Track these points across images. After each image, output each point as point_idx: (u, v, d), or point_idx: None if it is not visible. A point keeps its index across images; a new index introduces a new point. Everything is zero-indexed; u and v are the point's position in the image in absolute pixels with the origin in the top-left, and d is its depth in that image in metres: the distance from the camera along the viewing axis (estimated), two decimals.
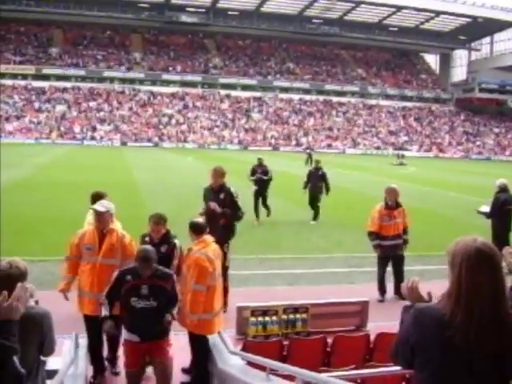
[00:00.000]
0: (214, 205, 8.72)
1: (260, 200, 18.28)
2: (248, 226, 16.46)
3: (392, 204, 10.58)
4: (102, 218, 6.75)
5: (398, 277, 10.50)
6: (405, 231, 10.66)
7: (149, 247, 6.01)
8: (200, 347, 6.60)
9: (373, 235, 10.59)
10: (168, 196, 23.09)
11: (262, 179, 18.27)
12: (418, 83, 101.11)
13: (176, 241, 7.10)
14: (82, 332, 7.23)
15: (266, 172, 18.52)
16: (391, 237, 10.51)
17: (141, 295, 5.70)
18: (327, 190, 18.84)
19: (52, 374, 4.42)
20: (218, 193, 9.54)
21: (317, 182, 18.73)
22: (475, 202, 19.20)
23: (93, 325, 6.65)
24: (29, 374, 2.79)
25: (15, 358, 2.01)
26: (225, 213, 9.03)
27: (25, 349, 2.74)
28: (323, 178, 18.86)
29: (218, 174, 9.68)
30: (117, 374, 6.89)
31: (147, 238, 7.06)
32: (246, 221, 17.85)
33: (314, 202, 18.89)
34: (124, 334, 6.06)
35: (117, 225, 7.10)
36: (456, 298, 2.51)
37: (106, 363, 6.96)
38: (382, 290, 10.58)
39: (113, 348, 7.04)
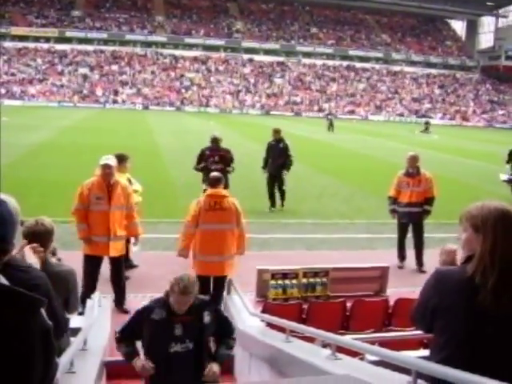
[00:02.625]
0: None
1: None
2: None
3: (412, 171, 10.52)
4: (112, 172, 7.54)
5: (417, 245, 10.58)
6: (428, 201, 10.53)
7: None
8: (217, 288, 7.46)
9: (390, 200, 10.76)
10: (190, 160, 23.11)
11: (222, 171, 10.88)
12: (444, 50, 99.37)
13: None
14: (103, 292, 7.39)
15: (227, 159, 12.53)
16: (405, 204, 10.49)
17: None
18: (288, 165, 14.59)
19: (75, 331, 4.51)
20: None
21: (277, 158, 14.52)
22: (498, 171, 19.04)
23: (96, 263, 7.60)
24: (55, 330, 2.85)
25: (42, 311, 2.04)
26: None
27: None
28: (285, 151, 14.56)
29: None
30: (127, 311, 7.40)
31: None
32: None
33: (273, 184, 14.80)
34: None
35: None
36: (490, 262, 2.49)
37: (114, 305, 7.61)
38: (401, 255, 10.66)
39: (120, 290, 7.83)
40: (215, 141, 12.51)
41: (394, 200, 10.65)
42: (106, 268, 7.95)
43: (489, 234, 2.54)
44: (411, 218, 10.55)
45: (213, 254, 7.40)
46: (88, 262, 7.61)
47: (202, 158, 12.49)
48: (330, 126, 46.09)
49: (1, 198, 2.06)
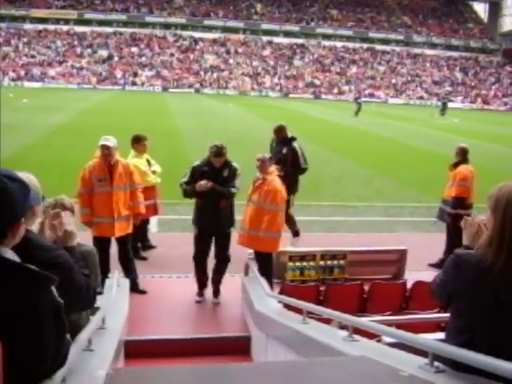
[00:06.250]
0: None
1: None
2: None
3: (453, 164, 9.37)
4: (111, 152, 7.43)
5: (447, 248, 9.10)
6: (453, 201, 9.12)
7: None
8: (265, 262, 7.31)
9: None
10: (209, 142, 23.14)
11: None
12: (465, 32, 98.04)
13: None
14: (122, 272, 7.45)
15: None
16: (441, 199, 9.53)
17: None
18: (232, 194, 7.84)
19: (94, 310, 4.55)
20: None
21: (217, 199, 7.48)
22: None
23: (104, 244, 7.52)
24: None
25: (53, 288, 2.06)
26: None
27: None
28: (231, 180, 7.51)
29: None
30: (145, 292, 7.72)
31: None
32: None
33: (206, 251, 7.58)
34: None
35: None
36: (498, 243, 2.47)
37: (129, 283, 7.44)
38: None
39: (129, 270, 7.79)
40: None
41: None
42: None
43: (499, 215, 2.51)
44: (442, 216, 9.39)
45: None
46: (96, 244, 7.47)
47: None
48: (358, 110, 45.23)
49: (15, 176, 2.06)
